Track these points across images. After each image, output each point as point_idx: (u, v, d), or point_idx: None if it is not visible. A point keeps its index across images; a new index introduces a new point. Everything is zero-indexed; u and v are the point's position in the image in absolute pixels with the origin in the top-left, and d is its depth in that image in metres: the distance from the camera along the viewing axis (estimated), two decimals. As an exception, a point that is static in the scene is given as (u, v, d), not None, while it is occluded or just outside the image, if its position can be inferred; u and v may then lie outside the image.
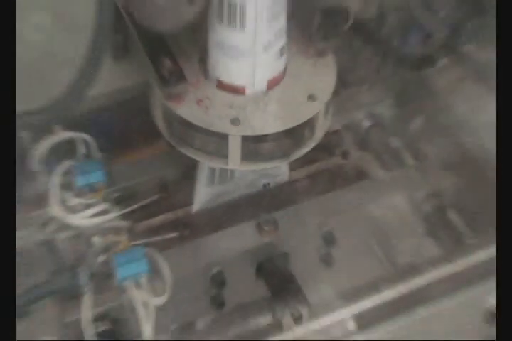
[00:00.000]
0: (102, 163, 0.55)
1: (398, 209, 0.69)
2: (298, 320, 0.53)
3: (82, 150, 0.54)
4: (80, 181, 0.53)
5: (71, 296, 0.53)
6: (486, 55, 0.63)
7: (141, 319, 0.51)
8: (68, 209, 0.52)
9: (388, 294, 0.52)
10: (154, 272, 0.54)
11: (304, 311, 0.53)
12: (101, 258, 0.53)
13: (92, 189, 0.54)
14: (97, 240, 0.52)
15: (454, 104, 0.67)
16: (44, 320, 0.53)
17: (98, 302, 0.53)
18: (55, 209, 0.52)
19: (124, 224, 0.54)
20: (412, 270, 0.54)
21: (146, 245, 0.55)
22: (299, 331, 0.52)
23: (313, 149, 0.55)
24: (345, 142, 0.69)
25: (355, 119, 0.70)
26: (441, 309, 0.54)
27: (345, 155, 0.69)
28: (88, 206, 0.53)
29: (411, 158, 0.68)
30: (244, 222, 0.64)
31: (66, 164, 0.53)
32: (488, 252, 0.53)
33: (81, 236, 0.53)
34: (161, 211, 0.65)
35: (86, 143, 0.55)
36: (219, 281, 0.62)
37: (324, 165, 0.68)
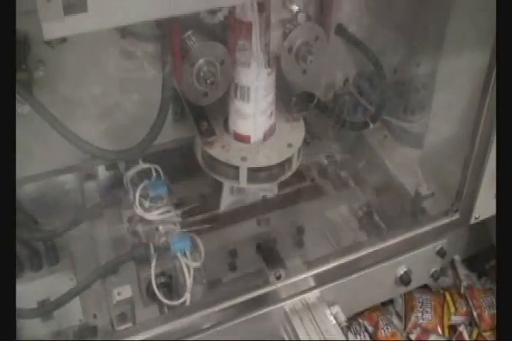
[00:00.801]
0: (166, 182, 0.75)
1: (342, 214, 0.91)
2: (278, 278, 0.73)
3: (153, 174, 0.76)
4: (152, 193, 0.73)
5: (144, 261, 0.71)
6: (399, 122, 0.88)
7: (185, 275, 0.70)
8: (145, 209, 0.73)
9: (334, 264, 0.74)
10: (194, 247, 0.72)
11: (282, 273, 0.73)
12: (163, 239, 0.72)
13: (159, 197, 0.74)
14: (161, 228, 0.73)
15: (379, 152, 0.91)
16: (127, 275, 0.73)
17: (160, 265, 0.71)
18: (137, 209, 0.73)
19: (178, 219, 0.74)
20: (350, 249, 0.76)
21: (190, 231, 0.74)
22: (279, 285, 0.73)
23: (293, 176, 0.79)
24: (313, 172, 0.93)
25: (320, 159, 0.95)
26: (367, 274, 0.76)
27: (312, 180, 0.94)
28: (157, 208, 0.73)
29: (354, 184, 0.92)
30: (249, 219, 0.83)
31: (145, 183, 0.74)
32: (397, 240, 0.77)
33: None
34: (200, 212, 0.84)
35: (156, 170, 0.76)
36: (233, 254, 0.81)
37: (299, 186, 0.91)
